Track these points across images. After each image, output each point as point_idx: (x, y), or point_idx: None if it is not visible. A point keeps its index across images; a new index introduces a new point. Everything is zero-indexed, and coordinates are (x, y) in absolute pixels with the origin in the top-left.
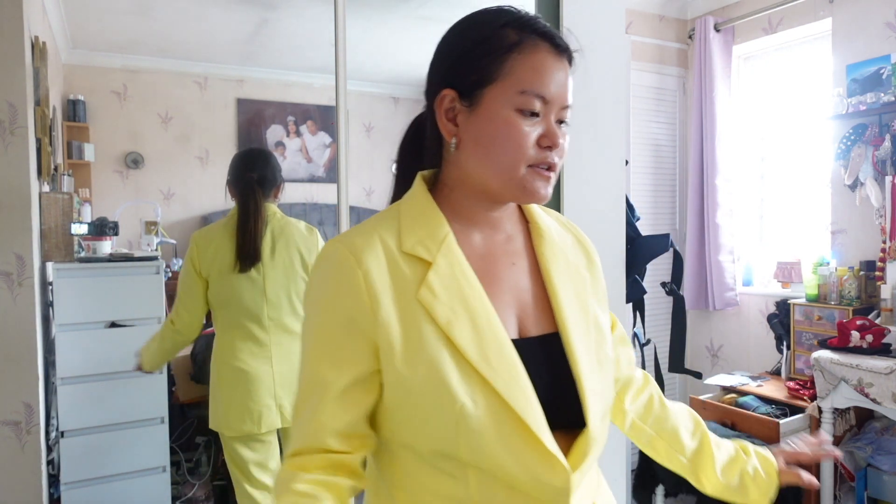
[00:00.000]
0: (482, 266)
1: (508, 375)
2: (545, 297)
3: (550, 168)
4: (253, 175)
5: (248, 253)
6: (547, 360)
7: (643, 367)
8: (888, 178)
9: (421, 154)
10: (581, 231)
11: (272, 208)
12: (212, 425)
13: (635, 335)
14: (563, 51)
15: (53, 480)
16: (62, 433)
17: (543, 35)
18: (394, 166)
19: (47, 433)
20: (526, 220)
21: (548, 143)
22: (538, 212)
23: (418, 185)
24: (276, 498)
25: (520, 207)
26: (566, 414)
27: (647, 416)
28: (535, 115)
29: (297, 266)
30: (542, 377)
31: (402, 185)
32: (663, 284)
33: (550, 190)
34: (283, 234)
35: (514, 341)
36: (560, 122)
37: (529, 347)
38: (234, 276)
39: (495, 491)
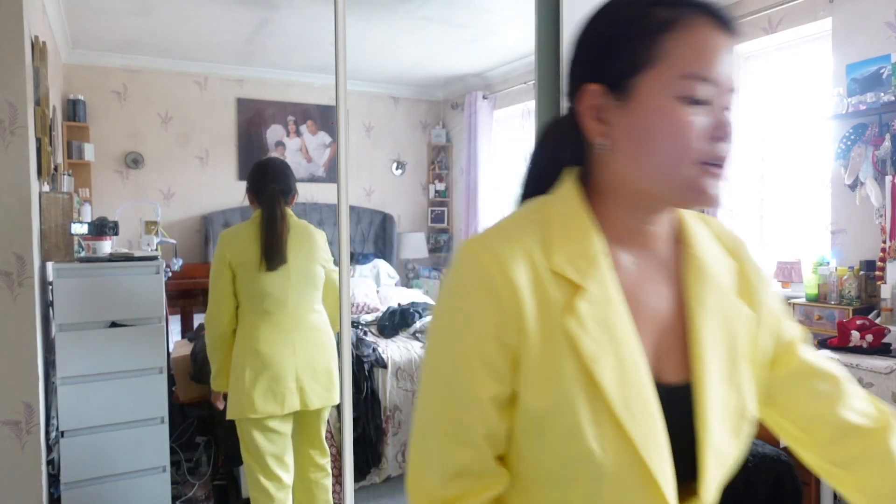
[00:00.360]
0: (630, 293)
1: (647, 426)
2: (685, 338)
3: (721, 163)
4: (275, 186)
5: (276, 255)
6: (676, 411)
7: None
8: (888, 178)
9: (556, 164)
10: (731, 234)
11: (289, 212)
12: (231, 414)
13: None
14: (726, 25)
15: (53, 480)
16: (62, 433)
17: (702, 8)
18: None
19: (47, 433)
20: (677, 239)
21: (718, 133)
22: (693, 229)
23: (570, 189)
24: None
25: (674, 222)
26: (681, 471)
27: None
28: (699, 102)
29: (312, 262)
30: (671, 430)
31: (532, 190)
32: None
33: (722, 191)
34: (300, 234)
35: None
36: (725, 109)
37: (665, 395)
38: (260, 273)
39: None
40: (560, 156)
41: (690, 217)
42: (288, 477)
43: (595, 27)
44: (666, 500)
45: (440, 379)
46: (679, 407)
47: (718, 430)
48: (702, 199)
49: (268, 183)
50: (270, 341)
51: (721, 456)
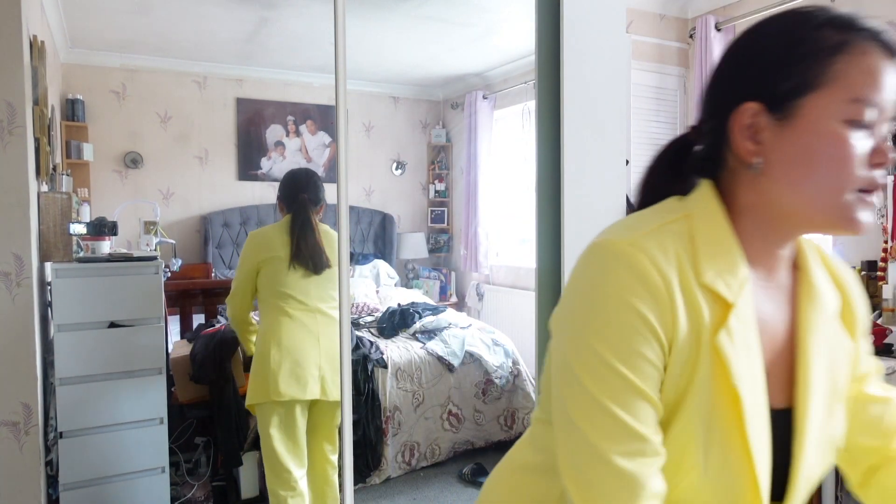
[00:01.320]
0: (757, 314)
1: (762, 446)
2: (792, 363)
3: (876, 191)
4: (305, 195)
5: (310, 259)
6: (775, 435)
7: None
8: (889, 178)
9: (680, 179)
10: (838, 263)
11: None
12: (253, 398)
13: None
14: (892, 50)
15: (52, 481)
16: (61, 434)
17: (872, 33)
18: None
19: (46, 434)
20: (794, 263)
21: (879, 159)
22: (809, 255)
23: (713, 203)
24: None
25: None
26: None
27: None
28: (863, 127)
29: (332, 261)
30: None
31: (648, 199)
32: None
33: (870, 219)
34: (325, 237)
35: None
36: (884, 135)
37: (773, 419)
38: (287, 270)
39: None
40: (682, 168)
41: (807, 243)
42: (302, 472)
43: (756, 45)
44: None
45: (603, 385)
46: (778, 431)
47: (812, 456)
48: (852, 227)
49: (298, 192)
50: (294, 334)
51: (809, 481)
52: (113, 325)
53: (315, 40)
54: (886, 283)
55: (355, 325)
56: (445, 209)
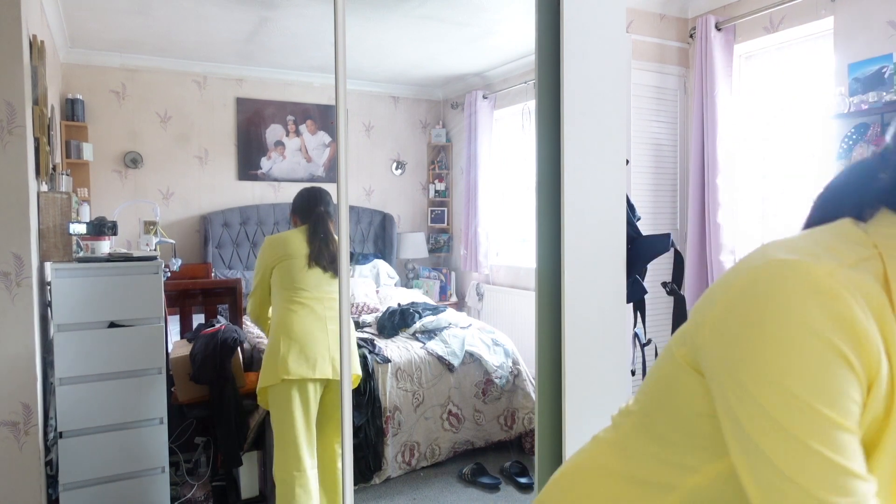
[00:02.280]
0: None
1: None
2: None
3: None
4: (322, 208)
5: (329, 260)
6: None
7: (643, 367)
8: None
9: (859, 198)
10: None
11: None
12: (264, 381)
13: (636, 335)
14: None
15: (52, 481)
16: (60, 434)
17: None
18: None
19: (45, 434)
20: None
21: None
22: None
23: None
24: None
25: None
26: None
27: None
28: None
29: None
30: None
31: (819, 217)
32: (664, 284)
33: None
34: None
35: None
36: None
37: None
38: (305, 269)
39: None
40: (868, 190)
41: None
42: (313, 462)
43: None
44: None
45: (809, 428)
46: None
47: None
48: None
49: (316, 206)
50: (304, 319)
51: None
52: (113, 324)
53: (315, 40)
54: None
55: (356, 324)
56: (445, 209)
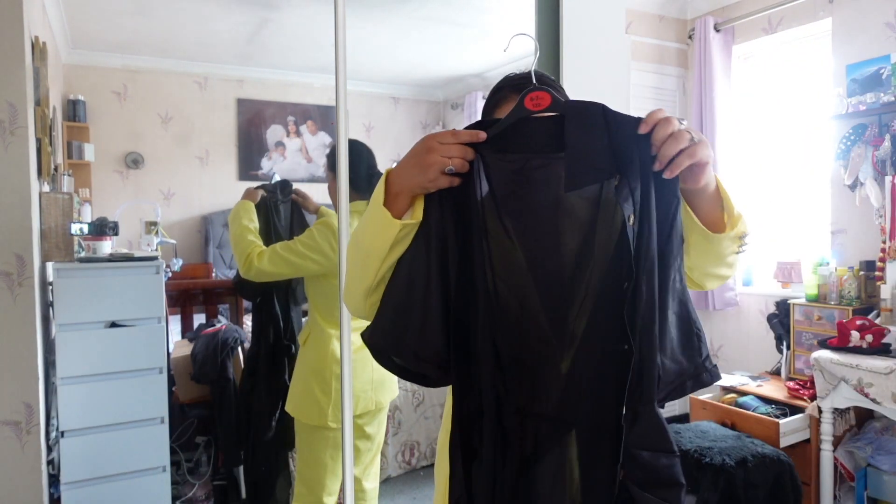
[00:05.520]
0: None
1: None
2: None
3: None
4: None
5: None
6: None
7: None
8: (888, 178)
9: None
10: None
11: None
12: (312, 420)
13: None
14: None
15: (53, 480)
16: (62, 433)
17: None
18: None
19: (47, 433)
20: None
21: None
22: None
23: None
24: None
25: None
26: None
27: None
28: None
29: None
30: None
31: None
32: None
33: None
34: None
35: None
36: None
37: None
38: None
39: None
40: None
41: None
42: (332, 500)
43: None
44: None
45: None
46: None
47: None
48: None
49: None
50: (355, 358)
51: None
52: (114, 324)
53: (315, 41)
54: (885, 283)
55: None
56: None
